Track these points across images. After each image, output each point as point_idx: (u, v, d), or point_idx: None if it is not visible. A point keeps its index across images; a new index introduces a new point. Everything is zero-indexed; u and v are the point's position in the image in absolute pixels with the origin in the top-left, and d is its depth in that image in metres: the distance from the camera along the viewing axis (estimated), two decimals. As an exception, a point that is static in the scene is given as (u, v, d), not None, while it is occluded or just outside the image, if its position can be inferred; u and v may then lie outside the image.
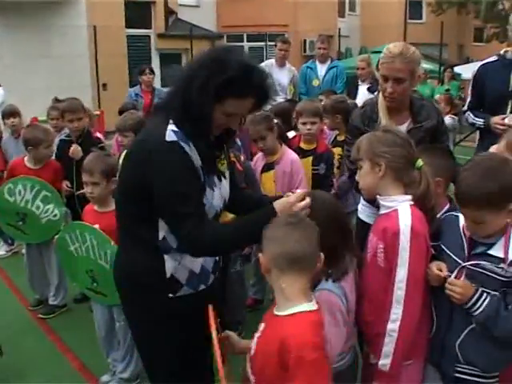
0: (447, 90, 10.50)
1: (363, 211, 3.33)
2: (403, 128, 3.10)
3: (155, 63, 15.54)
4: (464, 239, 2.20)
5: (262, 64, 6.81)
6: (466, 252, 2.17)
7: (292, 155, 4.19)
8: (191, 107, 2.11)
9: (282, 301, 1.92)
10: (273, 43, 7.86)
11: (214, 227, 2.18)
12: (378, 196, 2.31)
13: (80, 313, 4.60)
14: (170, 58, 16.87)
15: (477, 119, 4.44)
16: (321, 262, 1.96)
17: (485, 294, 2.10)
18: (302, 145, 4.51)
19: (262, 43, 19.11)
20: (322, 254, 1.96)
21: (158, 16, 16.07)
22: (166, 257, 2.24)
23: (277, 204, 2.18)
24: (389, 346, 2.18)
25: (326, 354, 1.82)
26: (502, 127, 4.14)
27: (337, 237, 2.18)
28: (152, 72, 7.66)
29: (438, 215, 2.40)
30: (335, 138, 4.95)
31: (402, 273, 2.14)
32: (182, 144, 2.11)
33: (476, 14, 22.47)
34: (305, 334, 1.80)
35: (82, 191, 3.77)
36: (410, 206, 2.22)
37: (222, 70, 2.06)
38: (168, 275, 2.26)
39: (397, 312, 2.16)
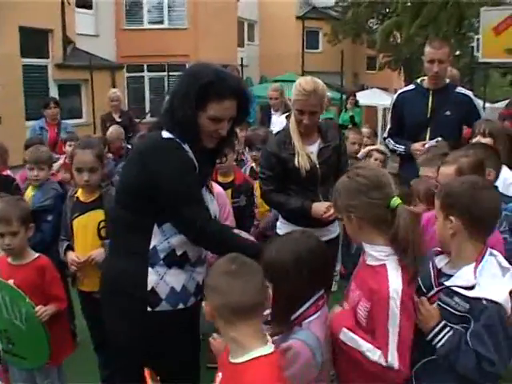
0: (351, 117, 10.81)
1: (282, 227, 3.60)
2: (315, 147, 3.52)
3: (53, 95, 14.73)
4: (432, 270, 2.19)
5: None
6: (434, 282, 2.15)
7: (217, 188, 4.03)
8: (178, 116, 2.30)
9: (235, 348, 1.80)
10: (174, 73, 7.72)
11: (218, 223, 2.50)
12: (363, 243, 2.18)
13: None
14: (69, 89, 16.15)
15: (397, 146, 4.55)
16: (269, 299, 1.89)
17: (447, 328, 2.04)
18: (219, 178, 4.37)
19: (164, 73, 18.94)
20: (269, 291, 1.91)
21: (55, 45, 15.34)
22: (150, 270, 2.35)
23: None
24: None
25: None
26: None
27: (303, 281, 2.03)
28: (57, 105, 7.37)
29: None
30: (251, 168, 4.86)
31: (392, 333, 2.01)
32: (179, 141, 2.33)
33: (369, 44, 23.65)
34: (266, 380, 1.72)
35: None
36: (398, 261, 2.07)
37: (198, 79, 2.31)
38: (149, 288, 2.34)
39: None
